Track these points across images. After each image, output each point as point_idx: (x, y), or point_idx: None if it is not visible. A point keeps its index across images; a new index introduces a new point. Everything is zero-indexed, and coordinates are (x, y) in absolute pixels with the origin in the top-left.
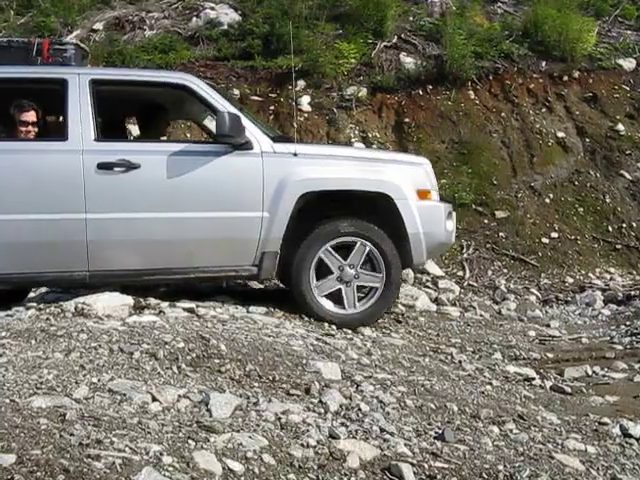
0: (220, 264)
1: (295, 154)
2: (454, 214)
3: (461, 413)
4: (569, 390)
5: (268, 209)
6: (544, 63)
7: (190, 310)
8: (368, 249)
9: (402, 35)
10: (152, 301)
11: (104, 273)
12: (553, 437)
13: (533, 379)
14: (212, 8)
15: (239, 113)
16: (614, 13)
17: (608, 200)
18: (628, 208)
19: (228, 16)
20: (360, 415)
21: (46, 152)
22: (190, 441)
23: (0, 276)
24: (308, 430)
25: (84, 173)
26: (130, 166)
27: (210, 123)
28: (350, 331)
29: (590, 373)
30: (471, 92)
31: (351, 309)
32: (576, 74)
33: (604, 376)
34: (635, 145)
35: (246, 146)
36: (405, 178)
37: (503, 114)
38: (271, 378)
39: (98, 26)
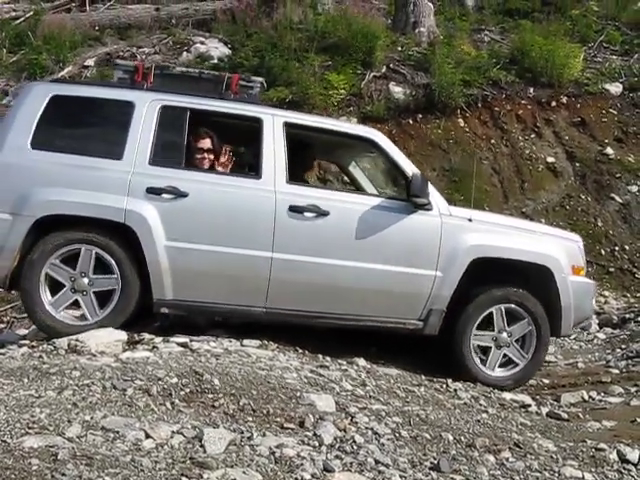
0: (390, 315)
1: (470, 220)
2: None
3: (457, 442)
4: (566, 416)
5: (442, 269)
6: (532, 89)
7: (184, 345)
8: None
9: (391, 65)
10: (146, 336)
11: (280, 312)
12: (550, 465)
13: (529, 406)
14: (202, 42)
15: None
16: (599, 39)
17: (600, 223)
18: (620, 231)
19: (218, 50)
20: (355, 447)
21: (239, 188)
22: (183, 478)
23: (177, 302)
24: (302, 464)
25: (276, 213)
26: (320, 212)
27: (353, 169)
28: (345, 362)
29: (587, 398)
30: (460, 120)
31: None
32: (564, 99)
33: (601, 401)
34: (625, 168)
35: (427, 207)
36: (564, 253)
37: (493, 141)
38: (265, 412)
39: (90, 62)
